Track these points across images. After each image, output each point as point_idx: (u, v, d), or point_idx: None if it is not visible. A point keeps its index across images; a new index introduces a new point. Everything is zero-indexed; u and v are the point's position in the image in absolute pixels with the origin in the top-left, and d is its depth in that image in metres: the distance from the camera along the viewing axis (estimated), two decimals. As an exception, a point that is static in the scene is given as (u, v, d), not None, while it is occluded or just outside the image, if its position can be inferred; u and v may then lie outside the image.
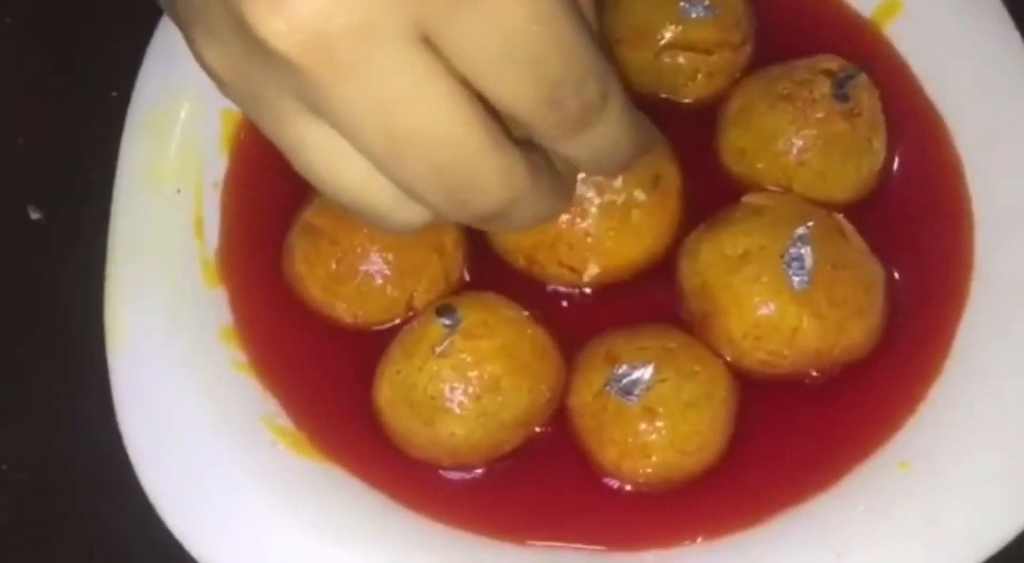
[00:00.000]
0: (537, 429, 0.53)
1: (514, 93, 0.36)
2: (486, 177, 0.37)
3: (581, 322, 0.56)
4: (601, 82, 0.38)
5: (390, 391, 0.52)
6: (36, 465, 0.57)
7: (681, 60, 0.61)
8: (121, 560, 0.54)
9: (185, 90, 0.61)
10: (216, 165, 0.60)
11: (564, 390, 0.54)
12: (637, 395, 0.51)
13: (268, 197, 0.59)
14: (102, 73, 0.65)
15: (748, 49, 0.62)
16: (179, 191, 0.58)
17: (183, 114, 0.60)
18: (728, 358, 0.54)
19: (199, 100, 0.61)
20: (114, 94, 0.63)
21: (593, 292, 0.57)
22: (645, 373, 0.51)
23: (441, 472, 0.53)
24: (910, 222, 0.59)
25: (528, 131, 0.38)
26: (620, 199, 0.55)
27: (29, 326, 0.61)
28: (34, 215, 0.65)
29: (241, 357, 0.55)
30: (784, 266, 0.53)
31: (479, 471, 0.53)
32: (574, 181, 0.45)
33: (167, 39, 0.62)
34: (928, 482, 0.50)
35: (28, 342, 0.60)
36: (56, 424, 0.57)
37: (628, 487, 0.52)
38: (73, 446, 0.56)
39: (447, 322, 0.51)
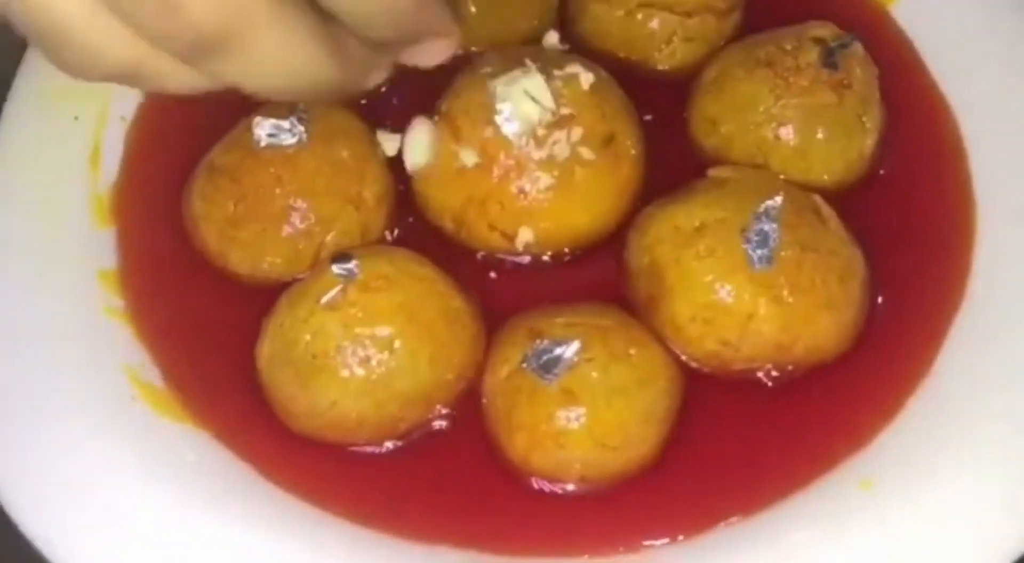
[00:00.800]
0: (441, 410, 0.46)
1: None
2: None
3: (511, 296, 0.49)
4: None
5: (270, 348, 0.45)
6: None
7: (656, 21, 0.54)
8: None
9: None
10: (126, 99, 0.54)
11: (480, 369, 0.46)
12: (556, 374, 0.43)
13: (177, 140, 0.53)
14: None
15: (735, 18, 0.56)
16: (76, 118, 0.52)
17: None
18: (675, 348, 0.47)
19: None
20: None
21: (529, 263, 0.50)
22: (568, 350, 0.43)
23: (323, 449, 0.45)
24: (902, 215, 0.51)
25: None
26: (563, 155, 0.48)
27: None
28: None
29: (116, 303, 0.48)
30: (744, 242, 0.45)
31: (367, 451, 0.45)
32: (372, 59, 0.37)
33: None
34: (890, 505, 0.42)
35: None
36: None
37: (539, 485, 0.44)
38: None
39: (341, 270, 0.44)
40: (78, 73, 0.33)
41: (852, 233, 0.49)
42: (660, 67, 0.55)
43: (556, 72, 0.49)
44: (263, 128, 0.49)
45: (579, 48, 0.54)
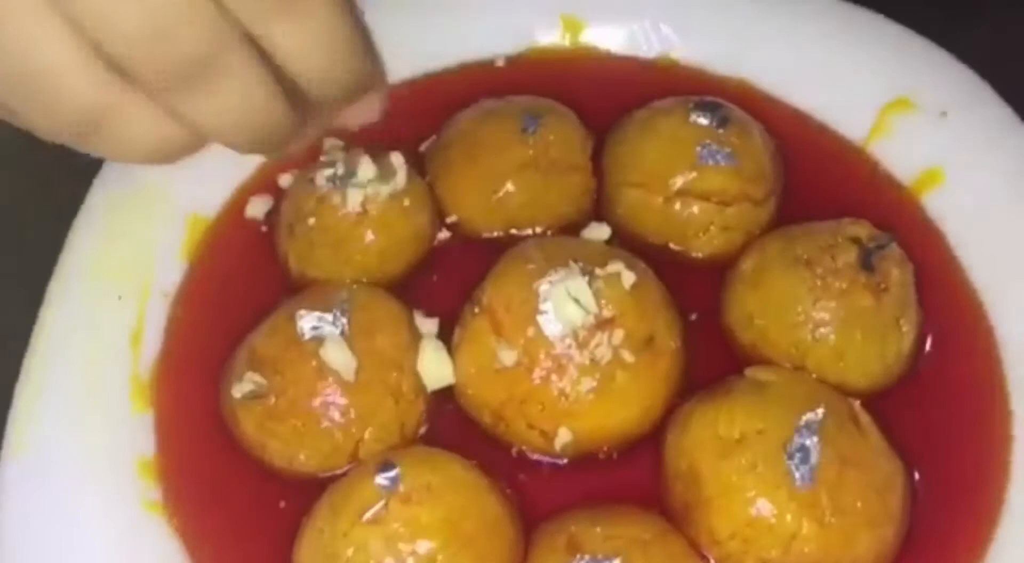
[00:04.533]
0: (480, 620, 0.45)
1: None
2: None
3: (548, 495, 0.49)
4: None
5: (309, 556, 0.44)
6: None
7: (694, 210, 0.55)
8: None
9: (149, 188, 0.56)
10: (169, 273, 0.54)
11: (517, 574, 0.46)
12: (597, 593, 0.43)
13: (217, 319, 0.54)
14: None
15: (771, 206, 0.57)
16: (120, 297, 0.53)
17: (144, 214, 0.55)
18: (712, 559, 0.46)
19: (164, 202, 0.56)
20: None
21: (566, 462, 0.50)
22: (609, 568, 0.43)
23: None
24: (940, 418, 0.51)
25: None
26: (605, 358, 0.48)
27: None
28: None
29: (154, 495, 0.48)
30: (786, 457, 0.45)
31: None
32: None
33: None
34: None
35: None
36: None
37: None
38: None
39: (384, 481, 0.44)
40: (45, 118, 0.33)
41: (890, 436, 0.49)
42: (696, 254, 0.56)
43: (598, 271, 0.49)
44: (307, 321, 0.49)
45: (615, 231, 0.55)
